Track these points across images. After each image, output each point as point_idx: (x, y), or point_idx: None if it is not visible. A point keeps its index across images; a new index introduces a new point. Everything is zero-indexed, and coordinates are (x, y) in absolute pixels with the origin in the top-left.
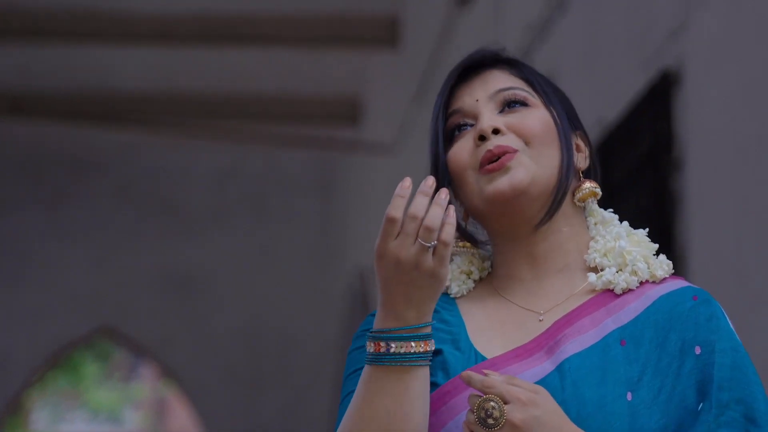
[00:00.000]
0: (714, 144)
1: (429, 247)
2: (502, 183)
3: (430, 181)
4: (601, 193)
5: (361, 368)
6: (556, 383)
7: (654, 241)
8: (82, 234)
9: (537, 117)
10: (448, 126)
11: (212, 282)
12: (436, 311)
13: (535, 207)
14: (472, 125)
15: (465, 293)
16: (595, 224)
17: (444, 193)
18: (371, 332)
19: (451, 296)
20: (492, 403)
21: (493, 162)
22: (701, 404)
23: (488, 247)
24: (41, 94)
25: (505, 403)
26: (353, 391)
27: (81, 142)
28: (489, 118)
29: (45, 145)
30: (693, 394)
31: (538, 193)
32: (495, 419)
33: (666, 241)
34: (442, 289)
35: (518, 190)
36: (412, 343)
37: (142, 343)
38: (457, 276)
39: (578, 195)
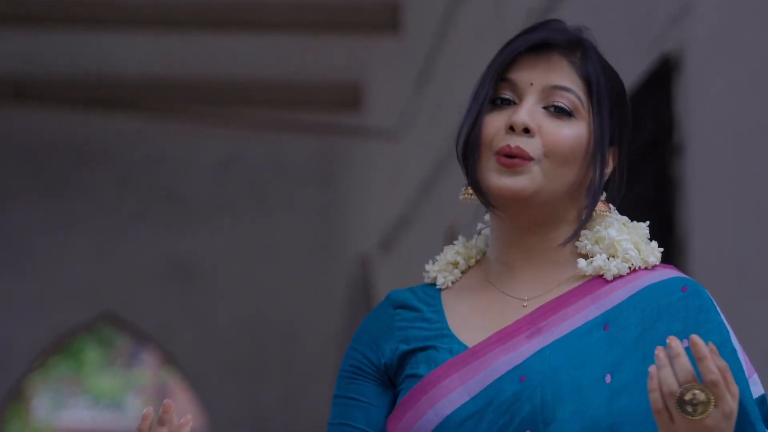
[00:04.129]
0: (715, 130)
1: None
2: (505, 183)
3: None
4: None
5: (344, 396)
6: (535, 368)
7: (654, 228)
8: (84, 223)
9: (572, 135)
10: (497, 90)
11: (213, 271)
12: (418, 310)
13: (536, 214)
14: (515, 103)
15: (450, 284)
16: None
17: None
18: None
19: (437, 287)
20: (701, 393)
21: (508, 157)
22: None
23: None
24: (42, 81)
25: (715, 403)
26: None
27: (82, 130)
28: (528, 111)
29: (46, 133)
30: None
31: (540, 203)
32: (694, 407)
33: (666, 227)
34: None
35: (518, 196)
36: None
37: (143, 332)
38: (443, 267)
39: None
